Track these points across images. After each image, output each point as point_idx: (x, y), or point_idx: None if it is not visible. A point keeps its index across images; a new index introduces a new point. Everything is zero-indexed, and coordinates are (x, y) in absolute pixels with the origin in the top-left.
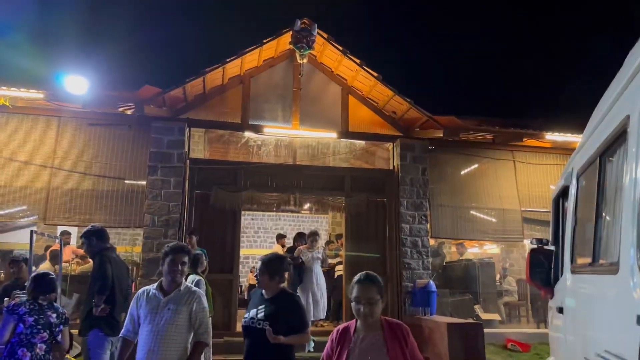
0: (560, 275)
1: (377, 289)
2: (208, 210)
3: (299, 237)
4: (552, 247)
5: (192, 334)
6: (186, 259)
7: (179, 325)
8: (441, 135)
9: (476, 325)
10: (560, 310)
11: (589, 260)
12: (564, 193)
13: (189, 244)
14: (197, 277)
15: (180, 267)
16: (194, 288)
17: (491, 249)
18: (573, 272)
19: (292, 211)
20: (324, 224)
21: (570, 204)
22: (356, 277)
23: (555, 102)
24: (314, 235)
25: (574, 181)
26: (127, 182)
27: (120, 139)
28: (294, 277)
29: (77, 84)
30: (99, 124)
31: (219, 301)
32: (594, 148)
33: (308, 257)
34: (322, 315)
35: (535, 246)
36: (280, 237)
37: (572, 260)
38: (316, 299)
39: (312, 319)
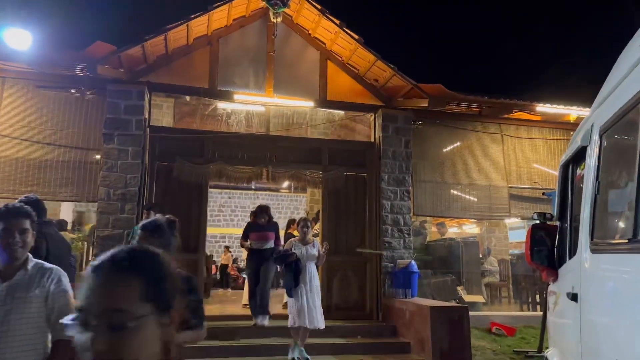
0: (568, 255)
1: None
2: (171, 183)
3: (292, 224)
4: (557, 223)
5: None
6: (28, 224)
7: (31, 319)
8: (426, 105)
9: (461, 309)
10: (574, 297)
11: (620, 235)
12: (575, 158)
13: (147, 218)
14: None
15: (19, 238)
16: (49, 265)
17: (471, 228)
18: (595, 251)
19: (264, 189)
20: (303, 202)
21: (589, 169)
22: None
23: (544, 79)
24: (305, 222)
25: (596, 139)
26: (80, 151)
27: (73, 103)
28: (287, 277)
29: (19, 38)
30: (48, 87)
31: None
32: (630, 95)
33: (302, 252)
34: (322, 325)
35: (537, 221)
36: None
37: (592, 236)
38: (310, 305)
39: (307, 327)
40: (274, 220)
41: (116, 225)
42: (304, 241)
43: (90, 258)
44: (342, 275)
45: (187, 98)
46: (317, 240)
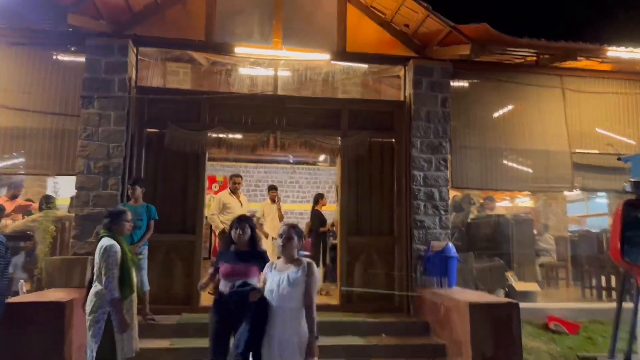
0: None
1: None
2: (163, 154)
3: (320, 199)
4: None
5: None
6: None
7: None
8: (468, 52)
9: (509, 306)
10: None
11: None
12: None
13: (132, 196)
14: (109, 242)
15: None
16: None
17: (523, 202)
18: None
19: (301, 162)
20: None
21: None
22: None
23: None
24: (289, 231)
25: None
26: (57, 117)
27: (49, 63)
28: (242, 328)
29: None
30: (20, 44)
31: (179, 268)
32: None
33: (276, 283)
34: None
35: (631, 195)
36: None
37: None
38: None
39: None
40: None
41: (98, 202)
42: (286, 259)
43: (65, 241)
44: (366, 260)
45: (203, 61)
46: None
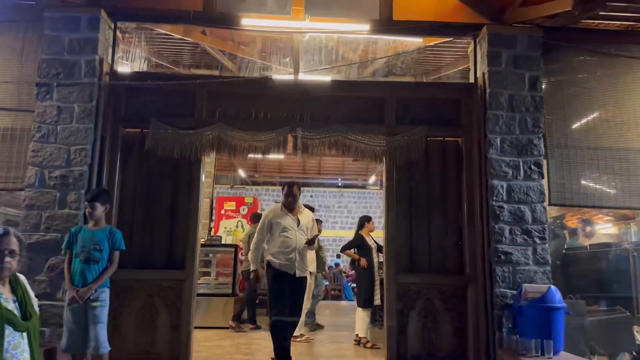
0: None
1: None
2: (144, 161)
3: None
4: None
5: None
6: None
7: None
8: (569, 8)
9: None
10: None
11: None
12: None
13: (90, 217)
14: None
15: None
16: None
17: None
18: None
19: (350, 185)
20: None
21: None
22: None
23: None
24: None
25: None
26: (5, 114)
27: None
28: None
29: None
30: None
31: (163, 318)
32: None
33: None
34: None
35: None
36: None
37: None
38: None
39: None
40: None
41: (52, 226)
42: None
43: None
44: (425, 308)
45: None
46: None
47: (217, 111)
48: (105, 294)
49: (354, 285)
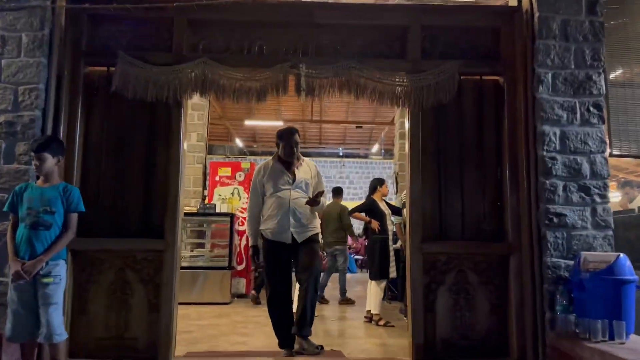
0: None
1: None
2: (112, 105)
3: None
4: None
5: None
6: None
7: None
8: None
9: None
10: None
11: None
12: None
13: (38, 171)
14: None
15: None
16: None
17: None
18: None
19: (352, 155)
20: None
21: None
22: None
23: None
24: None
25: None
26: None
27: None
28: None
29: None
30: None
31: (138, 297)
32: None
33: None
34: None
35: None
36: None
37: None
38: None
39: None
40: None
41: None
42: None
43: None
44: (457, 283)
45: None
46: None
47: (201, 43)
48: (60, 268)
49: (358, 257)
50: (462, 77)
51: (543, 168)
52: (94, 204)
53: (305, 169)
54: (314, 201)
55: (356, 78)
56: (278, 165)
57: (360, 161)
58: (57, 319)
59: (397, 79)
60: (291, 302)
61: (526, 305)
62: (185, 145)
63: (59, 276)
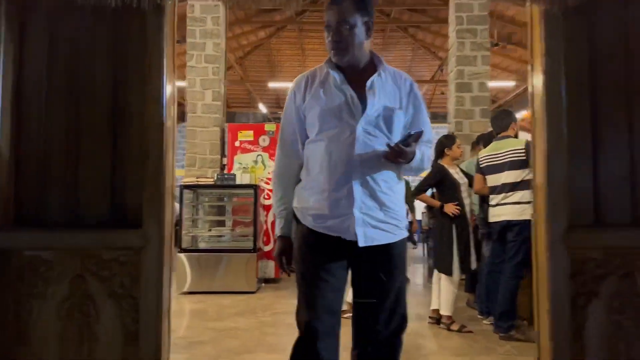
0: None
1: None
2: (58, 22)
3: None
4: None
5: None
6: None
7: None
8: None
9: None
10: None
11: None
12: None
13: None
14: None
15: None
16: None
17: None
18: None
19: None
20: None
21: None
22: None
23: None
24: None
25: None
26: None
27: None
28: None
29: None
30: None
31: (108, 318)
32: None
33: None
34: None
35: None
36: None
37: None
38: None
39: None
40: None
41: None
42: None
43: None
44: (620, 295)
45: None
46: None
47: None
48: None
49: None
50: None
51: None
52: (35, 177)
53: (389, 84)
54: (399, 152)
55: None
56: (334, 74)
57: None
58: None
59: None
60: (338, 343)
61: None
62: (175, 82)
63: None
